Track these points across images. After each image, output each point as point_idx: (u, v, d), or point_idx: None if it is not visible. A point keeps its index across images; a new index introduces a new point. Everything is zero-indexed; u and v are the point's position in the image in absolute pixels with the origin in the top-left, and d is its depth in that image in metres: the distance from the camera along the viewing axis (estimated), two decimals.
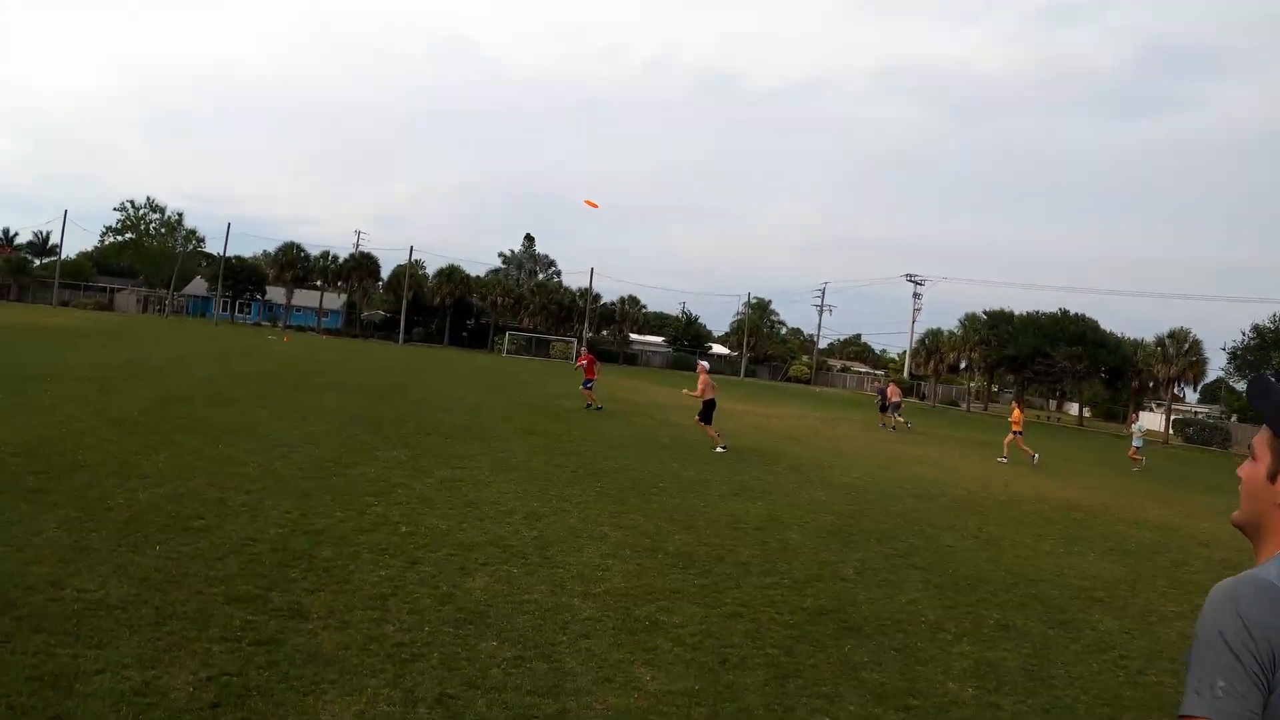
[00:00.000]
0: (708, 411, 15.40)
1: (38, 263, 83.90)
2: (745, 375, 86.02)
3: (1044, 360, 54.92)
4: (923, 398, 69.99)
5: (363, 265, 74.10)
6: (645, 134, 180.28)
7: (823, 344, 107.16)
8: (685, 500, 9.57)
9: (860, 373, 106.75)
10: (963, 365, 65.05)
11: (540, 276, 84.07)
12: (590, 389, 21.21)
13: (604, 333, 79.60)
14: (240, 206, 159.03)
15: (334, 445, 11.26)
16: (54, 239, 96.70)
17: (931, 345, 67.12)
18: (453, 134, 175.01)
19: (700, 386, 15.56)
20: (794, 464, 14.37)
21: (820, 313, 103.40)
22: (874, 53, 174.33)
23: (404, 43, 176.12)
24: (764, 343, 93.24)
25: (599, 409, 20.36)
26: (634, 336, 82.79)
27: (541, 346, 74.55)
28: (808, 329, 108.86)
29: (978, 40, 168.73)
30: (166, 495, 6.92)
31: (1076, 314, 57.10)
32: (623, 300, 78.97)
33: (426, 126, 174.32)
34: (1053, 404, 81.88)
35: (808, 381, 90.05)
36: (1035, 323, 57.61)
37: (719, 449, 14.55)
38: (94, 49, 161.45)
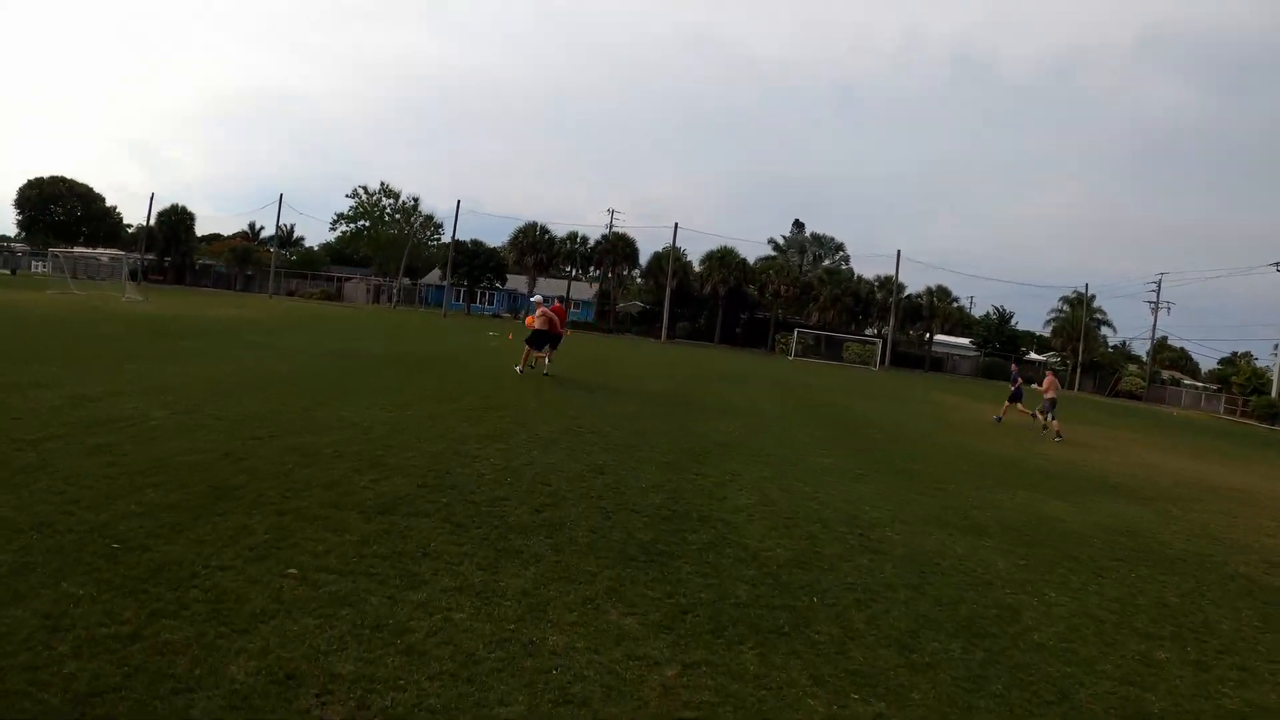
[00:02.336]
0: (538, 340, 16.21)
1: (287, 254, 78.89)
2: (1077, 388, 66.13)
3: None
4: None
5: (617, 248, 61.50)
6: (900, 123, 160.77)
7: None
8: None
9: (1197, 387, 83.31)
10: None
11: (826, 263, 68.01)
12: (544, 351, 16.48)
13: (907, 331, 62.66)
14: (496, 209, 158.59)
15: None
16: (298, 231, 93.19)
17: None
18: (705, 130, 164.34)
19: (532, 319, 16.53)
20: None
21: (1155, 311, 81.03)
22: (1135, 20, 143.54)
23: (655, 46, 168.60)
24: (1091, 347, 72.38)
25: (546, 373, 16.12)
26: (937, 337, 65.16)
27: (833, 347, 58.89)
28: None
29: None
30: None
31: None
32: (930, 291, 61.40)
33: (679, 124, 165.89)
34: None
35: (1139, 397, 68.67)
36: None
37: (519, 369, 16.13)
38: (375, 71, 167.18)
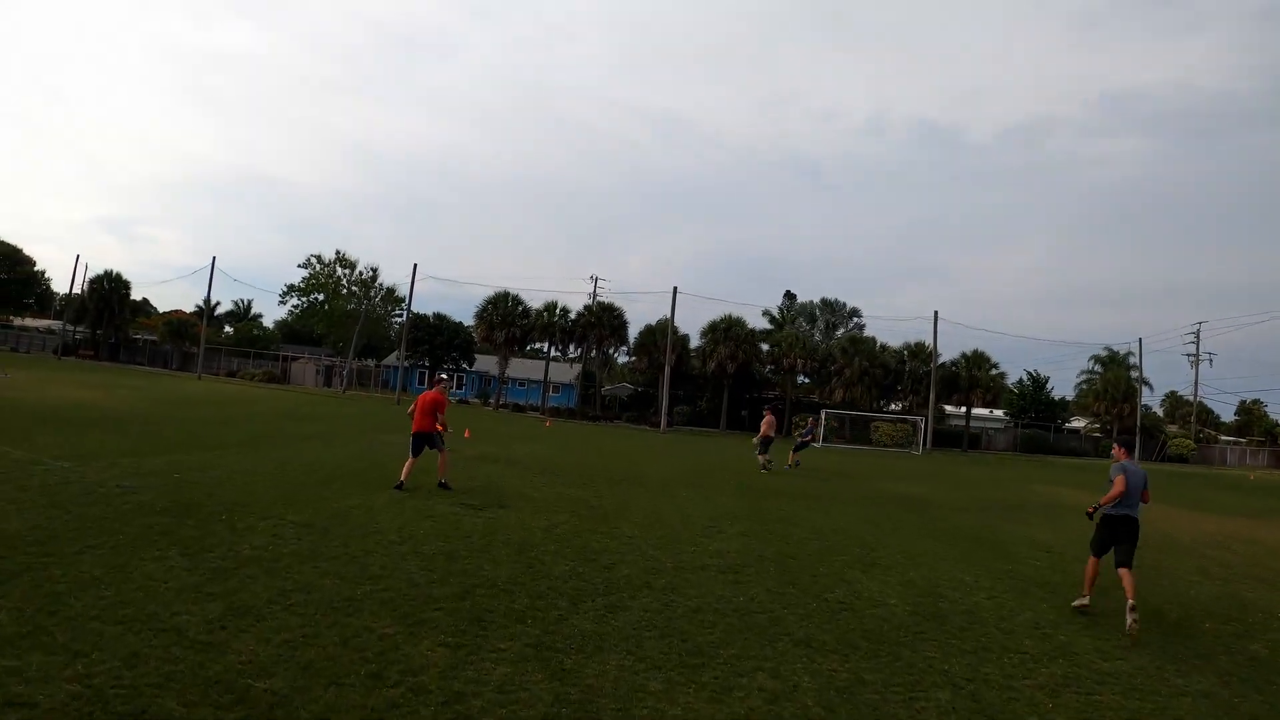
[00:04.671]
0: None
1: (228, 330, 69.84)
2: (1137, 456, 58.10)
3: None
4: None
5: (602, 320, 53.05)
6: (870, 195, 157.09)
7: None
8: None
9: (1240, 443, 76.56)
10: None
11: (840, 332, 59.91)
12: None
13: (944, 406, 54.53)
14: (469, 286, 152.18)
15: None
16: (257, 308, 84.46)
17: None
18: (677, 209, 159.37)
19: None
20: None
21: (1196, 364, 74.09)
22: (1095, 86, 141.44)
23: (623, 124, 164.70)
24: (1134, 411, 64.77)
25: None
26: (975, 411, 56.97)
27: (858, 428, 50.55)
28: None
29: (1198, 55, 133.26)
30: None
31: None
32: (966, 358, 53.49)
33: (650, 202, 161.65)
34: None
35: (1187, 459, 61.23)
36: None
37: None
38: (349, 153, 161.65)
